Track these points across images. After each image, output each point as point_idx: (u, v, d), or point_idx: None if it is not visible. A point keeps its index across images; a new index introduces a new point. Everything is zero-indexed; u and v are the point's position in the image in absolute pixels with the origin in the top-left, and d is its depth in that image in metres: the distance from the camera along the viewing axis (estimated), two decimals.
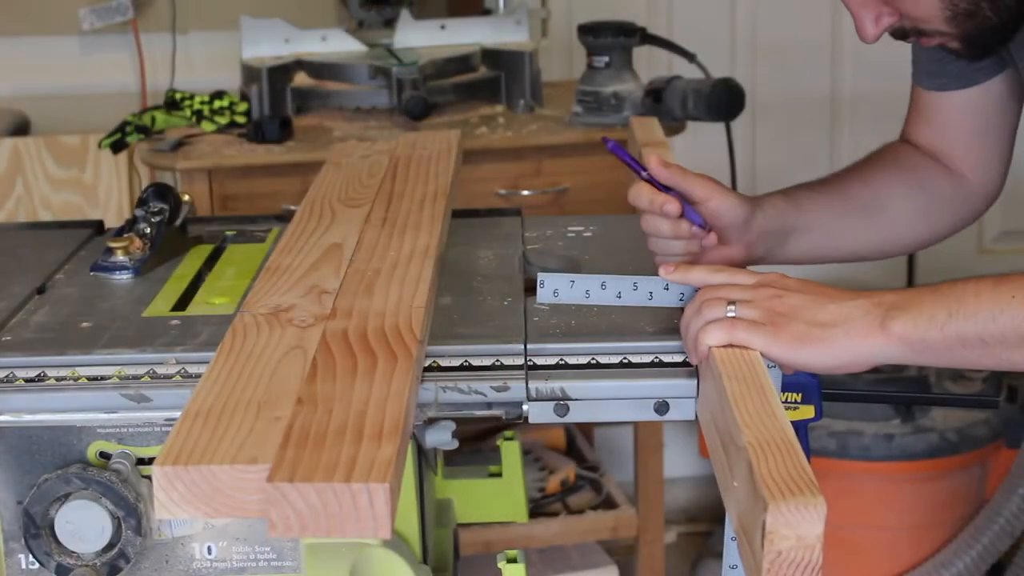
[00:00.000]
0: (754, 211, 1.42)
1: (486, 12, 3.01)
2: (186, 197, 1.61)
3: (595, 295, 1.30)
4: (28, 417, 1.20)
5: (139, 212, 1.56)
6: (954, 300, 1.14)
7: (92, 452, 1.25)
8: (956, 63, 1.47)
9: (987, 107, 1.53)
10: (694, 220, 1.36)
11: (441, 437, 1.31)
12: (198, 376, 1.17)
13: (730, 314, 1.17)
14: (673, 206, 1.33)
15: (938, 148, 1.57)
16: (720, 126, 2.51)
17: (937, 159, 1.57)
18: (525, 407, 1.19)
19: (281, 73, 2.63)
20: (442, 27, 2.80)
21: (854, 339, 1.16)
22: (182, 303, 1.40)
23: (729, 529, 1.12)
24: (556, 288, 1.30)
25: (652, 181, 1.35)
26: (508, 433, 1.77)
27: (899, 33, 1.33)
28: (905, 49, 1.52)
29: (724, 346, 1.15)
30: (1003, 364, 1.15)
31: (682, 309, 1.24)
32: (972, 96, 1.52)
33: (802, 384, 1.30)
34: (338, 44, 2.74)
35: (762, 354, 1.15)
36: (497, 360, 1.22)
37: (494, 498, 1.76)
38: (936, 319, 1.14)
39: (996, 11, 1.26)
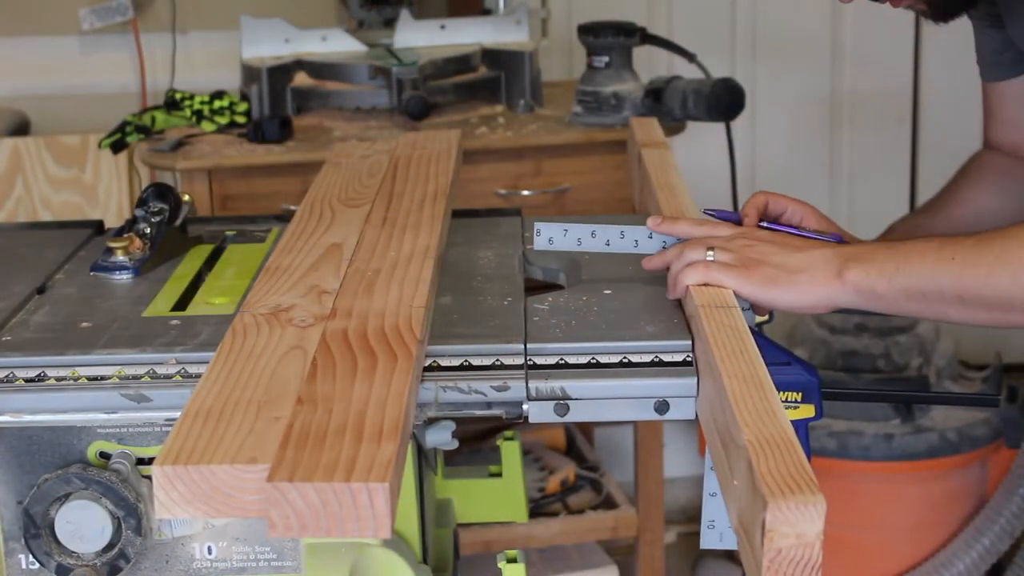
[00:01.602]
0: None
1: (486, 12, 3.01)
2: (186, 197, 1.61)
3: (586, 243, 1.41)
4: (28, 417, 1.20)
5: (139, 212, 1.56)
6: (903, 256, 1.26)
7: (92, 452, 1.25)
8: (1009, 52, 1.54)
9: None
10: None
11: (441, 437, 1.32)
12: (198, 376, 1.17)
13: (709, 257, 1.30)
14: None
15: (1013, 141, 1.65)
16: (720, 126, 2.51)
17: (1018, 155, 1.64)
18: (525, 407, 1.19)
19: (281, 73, 2.63)
20: (442, 27, 2.80)
21: (816, 285, 1.28)
22: (182, 303, 1.40)
23: (709, 459, 1.17)
24: (551, 236, 1.41)
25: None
26: (508, 433, 1.77)
27: None
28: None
29: (701, 284, 1.27)
30: (940, 317, 1.28)
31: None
32: None
33: (802, 384, 1.30)
34: (338, 44, 2.74)
35: (735, 293, 1.27)
36: (497, 360, 1.22)
37: (494, 498, 1.76)
38: (885, 272, 1.26)
39: None
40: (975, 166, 1.67)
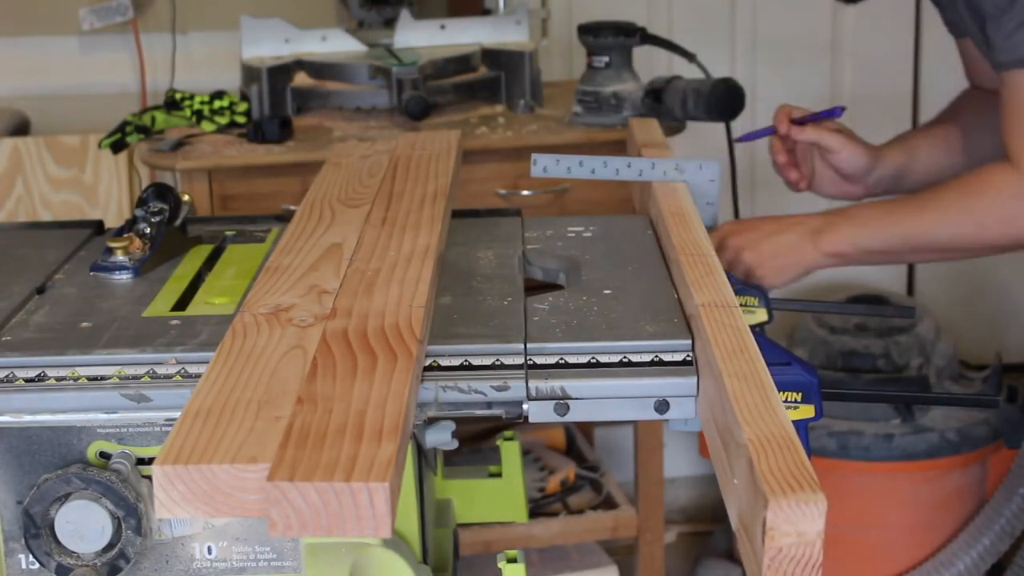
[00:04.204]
0: (876, 163, 1.83)
1: (486, 12, 3.01)
2: (186, 197, 1.60)
3: (575, 171, 1.66)
4: (28, 417, 1.20)
5: (139, 212, 1.56)
6: (861, 224, 1.59)
7: (92, 452, 1.25)
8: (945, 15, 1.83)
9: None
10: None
11: (441, 437, 1.31)
12: (198, 376, 1.17)
13: None
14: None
15: (982, 84, 1.90)
16: (720, 126, 2.50)
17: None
18: (525, 406, 1.19)
19: (281, 73, 2.63)
20: (442, 27, 2.80)
21: (799, 264, 1.60)
22: (182, 303, 1.39)
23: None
24: (545, 165, 1.66)
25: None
26: (508, 433, 1.77)
27: None
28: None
29: None
30: (900, 263, 1.65)
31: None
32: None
33: (802, 384, 1.30)
34: (338, 44, 2.74)
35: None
36: (497, 359, 1.22)
37: (494, 498, 1.76)
38: (848, 239, 1.58)
39: None
40: (970, 100, 1.92)
